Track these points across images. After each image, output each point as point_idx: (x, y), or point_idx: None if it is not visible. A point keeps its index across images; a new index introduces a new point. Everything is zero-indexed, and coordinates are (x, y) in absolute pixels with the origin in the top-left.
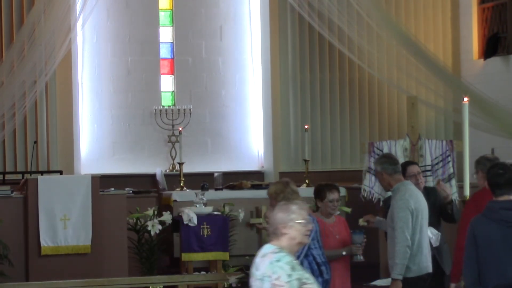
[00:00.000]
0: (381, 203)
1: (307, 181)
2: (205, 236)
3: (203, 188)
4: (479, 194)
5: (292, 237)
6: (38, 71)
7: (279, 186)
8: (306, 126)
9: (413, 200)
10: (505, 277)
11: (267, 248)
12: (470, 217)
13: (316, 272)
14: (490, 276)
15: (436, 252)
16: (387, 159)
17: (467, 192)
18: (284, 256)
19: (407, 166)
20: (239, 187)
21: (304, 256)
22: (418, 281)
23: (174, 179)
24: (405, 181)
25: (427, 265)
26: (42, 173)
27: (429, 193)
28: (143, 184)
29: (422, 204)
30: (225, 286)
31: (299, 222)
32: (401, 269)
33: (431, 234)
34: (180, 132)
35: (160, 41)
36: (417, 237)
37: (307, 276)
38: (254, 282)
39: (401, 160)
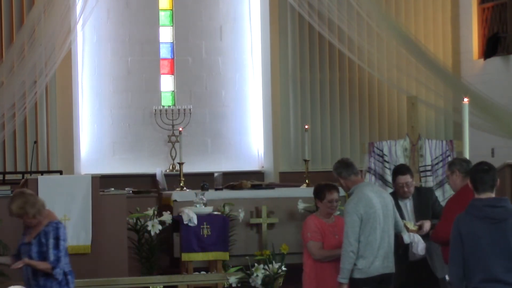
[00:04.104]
0: None
1: (307, 181)
2: (205, 236)
3: (203, 188)
4: (460, 194)
5: None
6: (38, 71)
7: (17, 201)
8: (306, 126)
9: (362, 205)
10: (490, 272)
11: None
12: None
13: (63, 281)
14: (476, 272)
15: (428, 257)
16: (341, 164)
17: None
18: None
19: (396, 175)
20: (239, 187)
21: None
22: (368, 282)
23: (174, 179)
24: (361, 183)
25: (380, 267)
26: (42, 173)
27: (420, 193)
28: (143, 184)
29: (376, 206)
30: (225, 286)
31: None
32: (345, 273)
33: (416, 241)
34: (180, 132)
35: (160, 41)
36: (368, 239)
37: None
38: None
39: (401, 160)
